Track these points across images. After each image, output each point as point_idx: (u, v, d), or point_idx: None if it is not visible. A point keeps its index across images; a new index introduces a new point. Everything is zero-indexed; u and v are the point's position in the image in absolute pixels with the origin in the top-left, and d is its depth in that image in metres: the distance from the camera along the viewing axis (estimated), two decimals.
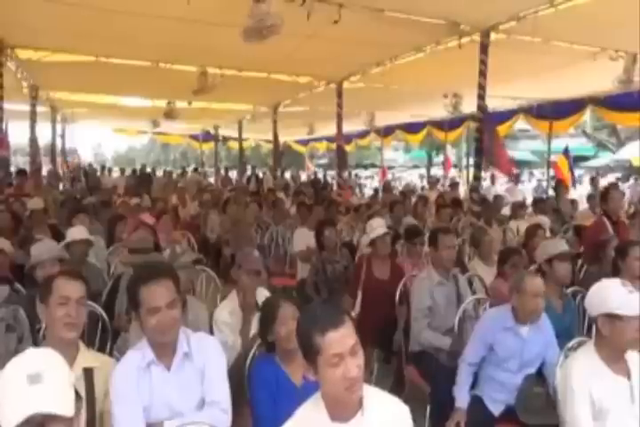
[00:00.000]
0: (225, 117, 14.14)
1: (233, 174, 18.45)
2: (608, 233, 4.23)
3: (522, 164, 25.97)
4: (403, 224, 5.71)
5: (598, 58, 6.47)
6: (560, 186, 8.13)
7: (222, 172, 17.57)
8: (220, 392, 1.96)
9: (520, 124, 11.30)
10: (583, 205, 8.17)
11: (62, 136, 14.77)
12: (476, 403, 2.65)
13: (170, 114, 10.95)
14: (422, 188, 14.61)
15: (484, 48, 5.74)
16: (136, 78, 8.26)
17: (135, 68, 7.56)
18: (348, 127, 11.83)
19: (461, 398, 2.64)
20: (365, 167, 31.75)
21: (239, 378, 2.27)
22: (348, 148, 15.69)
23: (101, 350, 2.68)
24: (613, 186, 9.07)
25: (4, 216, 4.73)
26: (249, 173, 17.84)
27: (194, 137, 19.30)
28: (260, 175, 17.64)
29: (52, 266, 3.06)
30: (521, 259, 3.58)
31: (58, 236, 4.44)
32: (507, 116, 10.62)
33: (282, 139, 14.12)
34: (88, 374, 1.90)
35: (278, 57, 6.71)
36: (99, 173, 16.26)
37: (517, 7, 5.08)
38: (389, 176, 20.27)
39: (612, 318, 2.05)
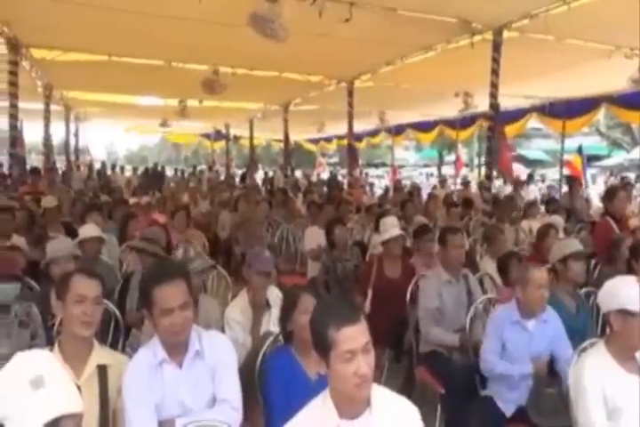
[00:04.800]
0: (236, 116, 14.19)
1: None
2: (615, 232, 4.21)
3: (534, 163, 25.78)
4: (414, 223, 5.69)
5: (613, 56, 6.38)
6: (574, 184, 8.04)
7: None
8: (231, 390, 1.97)
9: (532, 122, 11.20)
10: (597, 205, 8.09)
11: (76, 135, 14.93)
12: (487, 403, 2.65)
13: (181, 113, 11.03)
14: (434, 187, 14.53)
15: (496, 46, 5.70)
16: (148, 77, 8.32)
17: (147, 67, 7.62)
18: (359, 126, 11.80)
19: (511, 367, 2.60)
20: (376, 166, 31.69)
21: (250, 376, 2.29)
22: (358, 146, 15.66)
23: (113, 346, 2.71)
24: (625, 185, 8.99)
25: (20, 214, 4.79)
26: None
27: (205, 136, 19.40)
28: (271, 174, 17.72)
29: (67, 263, 3.11)
30: (519, 262, 3.55)
31: (71, 233, 4.49)
32: (519, 114, 10.53)
33: (292, 137, 14.13)
34: (102, 371, 1.92)
35: (289, 56, 6.71)
36: (109, 172, 16.39)
37: (530, 5, 5.03)
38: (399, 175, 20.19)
39: (623, 314, 2.06)
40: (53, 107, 10.26)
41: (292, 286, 2.68)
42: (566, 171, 10.95)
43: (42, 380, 1.24)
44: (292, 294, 2.31)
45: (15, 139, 6.88)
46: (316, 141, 19.71)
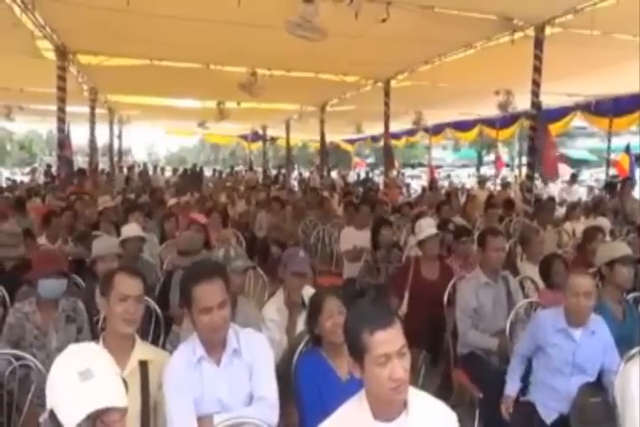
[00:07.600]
0: (273, 117, 14.34)
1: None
2: None
3: (579, 162, 24.94)
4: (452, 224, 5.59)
5: None
6: (626, 185, 7.72)
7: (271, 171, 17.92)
8: (268, 388, 1.99)
9: (577, 121, 10.82)
10: None
11: (119, 137, 15.41)
12: (527, 409, 2.57)
13: (220, 114, 11.23)
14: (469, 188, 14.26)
15: (538, 43, 5.55)
16: (187, 80, 8.51)
17: (187, 70, 7.80)
18: (396, 126, 11.69)
19: (511, 385, 2.70)
20: (412, 166, 31.40)
21: (286, 375, 2.30)
22: (395, 145, 15.52)
23: (154, 342, 2.78)
24: None
25: (66, 214, 5.01)
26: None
27: (243, 137, 19.70)
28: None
29: (112, 261, 3.23)
30: (562, 264, 3.43)
31: (118, 232, 4.64)
32: (562, 113, 10.20)
33: (329, 138, 14.17)
34: (143, 366, 1.97)
35: (326, 56, 6.72)
36: (151, 173, 16.84)
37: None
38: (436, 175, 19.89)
39: None
40: (98, 110, 10.63)
41: (318, 290, 2.67)
42: (613, 171, 10.55)
43: (90, 372, 1.30)
44: (317, 298, 2.30)
45: (63, 141, 7.16)
46: (352, 142, 19.69)
